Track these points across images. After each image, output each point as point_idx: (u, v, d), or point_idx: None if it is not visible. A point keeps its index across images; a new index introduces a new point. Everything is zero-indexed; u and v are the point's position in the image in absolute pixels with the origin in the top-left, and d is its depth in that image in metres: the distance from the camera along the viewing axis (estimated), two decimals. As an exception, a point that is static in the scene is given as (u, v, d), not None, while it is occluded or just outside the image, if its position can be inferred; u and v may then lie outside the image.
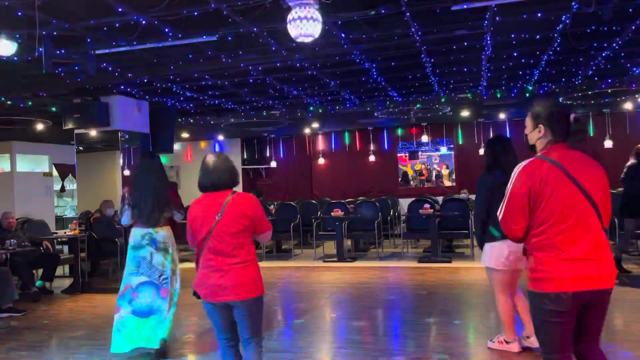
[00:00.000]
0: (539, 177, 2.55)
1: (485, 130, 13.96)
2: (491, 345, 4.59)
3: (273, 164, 15.49)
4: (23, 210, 11.16)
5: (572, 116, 2.71)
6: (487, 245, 4.38)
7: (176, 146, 13.98)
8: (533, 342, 4.39)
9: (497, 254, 4.30)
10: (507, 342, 4.50)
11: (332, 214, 10.05)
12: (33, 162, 13.13)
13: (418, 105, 10.96)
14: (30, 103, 8.73)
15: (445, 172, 14.77)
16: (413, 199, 11.34)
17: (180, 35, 5.69)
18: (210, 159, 3.18)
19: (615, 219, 8.46)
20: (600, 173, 2.63)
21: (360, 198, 12.97)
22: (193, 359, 4.83)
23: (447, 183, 14.67)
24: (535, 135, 2.74)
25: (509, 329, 4.48)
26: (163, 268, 4.77)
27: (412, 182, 14.90)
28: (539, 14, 5.61)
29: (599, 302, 2.57)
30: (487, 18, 5.64)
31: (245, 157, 15.63)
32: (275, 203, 12.56)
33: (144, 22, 5.21)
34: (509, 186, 2.63)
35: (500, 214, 2.67)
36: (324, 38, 5.37)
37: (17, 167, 12.55)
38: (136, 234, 4.76)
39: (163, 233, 4.79)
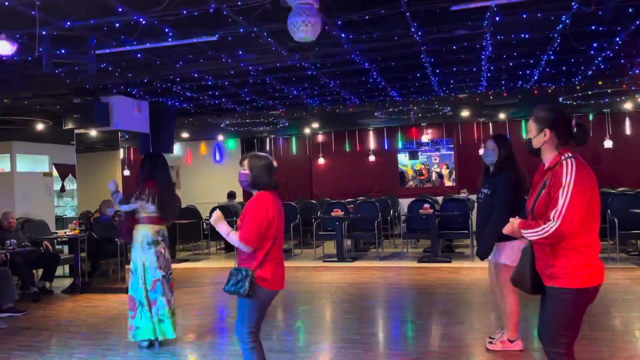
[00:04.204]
0: (592, 176, 2.71)
1: (485, 130, 13.96)
2: (492, 347, 4.56)
3: (273, 164, 15.47)
4: (23, 211, 11.16)
5: (573, 122, 2.81)
6: (509, 244, 4.29)
7: (177, 146, 14.01)
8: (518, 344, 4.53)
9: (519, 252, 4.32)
10: (510, 341, 4.50)
11: (332, 214, 10.05)
12: (33, 162, 13.12)
13: (418, 106, 10.96)
14: (30, 103, 8.72)
15: (445, 172, 14.77)
16: (413, 199, 11.35)
17: (180, 35, 5.68)
18: (272, 160, 3.46)
19: (615, 219, 8.48)
20: None
21: (360, 198, 12.97)
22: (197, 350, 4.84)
23: (447, 183, 14.68)
24: (541, 139, 2.82)
25: (515, 327, 4.50)
26: (169, 263, 5.19)
27: (411, 182, 14.89)
28: (539, 14, 5.60)
29: None
30: (487, 18, 5.64)
31: (245, 157, 15.61)
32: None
33: (144, 22, 5.21)
34: (571, 181, 2.62)
35: (562, 209, 2.61)
36: (324, 38, 5.37)
37: (17, 167, 12.54)
38: (150, 230, 5.03)
39: (166, 231, 5.16)
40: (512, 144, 4.56)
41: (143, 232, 5.02)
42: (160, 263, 5.03)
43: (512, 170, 4.40)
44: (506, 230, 2.88)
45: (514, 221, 2.83)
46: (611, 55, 7.42)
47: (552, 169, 2.74)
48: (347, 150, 15.07)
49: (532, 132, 2.86)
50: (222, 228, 3.33)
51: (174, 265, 10.34)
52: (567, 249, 2.68)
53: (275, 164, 3.49)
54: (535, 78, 8.97)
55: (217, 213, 3.36)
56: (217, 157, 15.73)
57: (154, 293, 5.00)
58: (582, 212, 2.63)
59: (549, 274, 2.75)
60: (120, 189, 5.33)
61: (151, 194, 5.00)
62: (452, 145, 14.49)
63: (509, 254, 4.33)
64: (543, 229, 2.64)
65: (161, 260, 5.03)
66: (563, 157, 2.72)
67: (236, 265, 3.34)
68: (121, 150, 8.18)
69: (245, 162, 3.42)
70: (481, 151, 13.99)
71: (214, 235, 11.85)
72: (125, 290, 7.78)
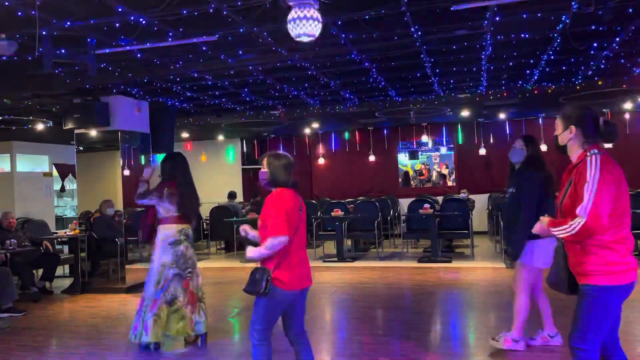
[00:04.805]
0: (619, 171, 2.68)
1: (485, 130, 13.96)
2: (496, 345, 4.51)
3: (291, 163, 15.45)
4: (23, 211, 11.16)
5: (601, 119, 2.81)
6: (531, 243, 4.21)
7: (177, 146, 13.99)
8: (556, 339, 4.50)
9: (544, 251, 4.17)
10: (515, 341, 4.45)
11: (332, 214, 10.05)
12: (33, 162, 13.14)
13: (418, 105, 10.96)
14: (30, 103, 8.73)
15: (445, 172, 14.78)
16: (413, 199, 11.35)
17: (180, 35, 5.69)
18: (291, 159, 3.49)
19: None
20: None
21: (360, 198, 12.97)
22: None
23: (447, 183, 14.69)
24: (567, 136, 2.82)
25: (521, 328, 4.45)
26: (191, 262, 5.05)
27: (412, 182, 14.90)
28: (539, 14, 5.61)
29: None
30: (487, 18, 5.64)
31: (245, 157, 15.64)
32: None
33: (144, 22, 5.21)
34: (596, 176, 2.60)
35: (588, 205, 2.59)
36: (324, 38, 5.37)
37: (17, 167, 12.56)
38: (172, 230, 4.96)
39: (191, 229, 5.11)
40: (512, 143, 4.58)
41: (165, 232, 4.95)
42: (179, 263, 4.93)
43: (539, 169, 4.38)
44: (536, 229, 2.86)
45: (543, 220, 2.81)
46: (611, 55, 7.43)
47: (577, 166, 2.73)
48: (347, 150, 15.07)
49: (559, 129, 2.87)
50: (257, 251, 3.31)
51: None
52: (598, 246, 2.65)
53: (292, 161, 3.49)
54: (535, 78, 8.97)
55: (250, 249, 3.35)
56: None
57: (160, 291, 4.91)
58: (609, 208, 2.60)
59: (581, 271, 2.72)
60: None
61: (171, 194, 4.94)
62: (452, 145, 14.49)
63: (529, 254, 4.27)
64: (571, 225, 2.63)
65: (180, 260, 4.94)
66: (588, 154, 2.70)
67: (257, 265, 3.35)
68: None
69: (264, 161, 3.45)
70: (482, 151, 14.04)
71: (214, 235, 11.87)
72: (126, 290, 7.84)
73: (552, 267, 2.95)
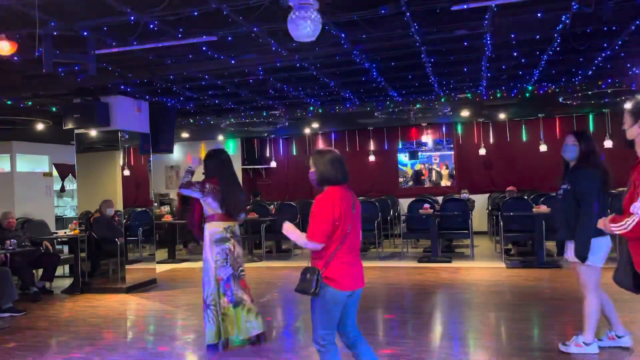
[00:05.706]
0: None
1: (485, 130, 13.96)
2: (566, 350, 4.36)
3: (273, 164, 15.50)
4: (23, 211, 11.16)
5: None
6: (592, 241, 4.10)
7: (177, 147, 14.00)
8: (626, 340, 4.41)
9: (605, 250, 4.12)
10: (586, 344, 4.31)
11: (332, 214, 10.03)
12: (33, 162, 13.14)
13: (418, 105, 10.96)
14: (30, 103, 8.73)
15: (445, 172, 14.78)
16: (413, 199, 11.35)
17: (180, 35, 5.69)
18: (337, 154, 3.34)
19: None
20: None
21: (360, 198, 12.98)
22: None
23: (447, 183, 14.69)
24: (635, 130, 2.76)
25: (592, 331, 4.30)
26: (242, 260, 5.05)
27: (410, 182, 14.88)
28: (539, 14, 5.61)
29: None
30: (487, 18, 5.64)
31: (245, 157, 15.64)
32: (276, 203, 12.57)
33: (143, 22, 5.21)
34: None
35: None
36: (324, 38, 5.37)
37: (17, 167, 12.56)
38: (218, 227, 4.95)
39: (238, 226, 5.11)
40: (512, 143, 4.52)
41: (211, 230, 4.95)
42: (229, 261, 4.92)
43: (594, 165, 4.24)
44: (600, 224, 2.80)
45: (607, 217, 2.74)
46: (611, 55, 7.42)
47: None
48: (347, 150, 15.07)
49: (627, 124, 2.77)
50: (294, 235, 3.29)
51: (174, 265, 10.39)
52: None
53: (339, 156, 3.35)
54: (535, 78, 8.97)
55: (288, 224, 3.33)
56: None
57: (221, 290, 4.92)
58: None
59: None
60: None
61: (213, 190, 4.93)
62: (452, 145, 14.49)
63: (595, 253, 4.14)
64: (626, 222, 2.56)
65: (230, 257, 4.92)
66: None
67: (307, 265, 3.30)
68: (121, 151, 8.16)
69: (311, 161, 3.35)
70: (482, 151, 14.03)
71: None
72: (125, 290, 7.86)
73: (618, 263, 2.86)
